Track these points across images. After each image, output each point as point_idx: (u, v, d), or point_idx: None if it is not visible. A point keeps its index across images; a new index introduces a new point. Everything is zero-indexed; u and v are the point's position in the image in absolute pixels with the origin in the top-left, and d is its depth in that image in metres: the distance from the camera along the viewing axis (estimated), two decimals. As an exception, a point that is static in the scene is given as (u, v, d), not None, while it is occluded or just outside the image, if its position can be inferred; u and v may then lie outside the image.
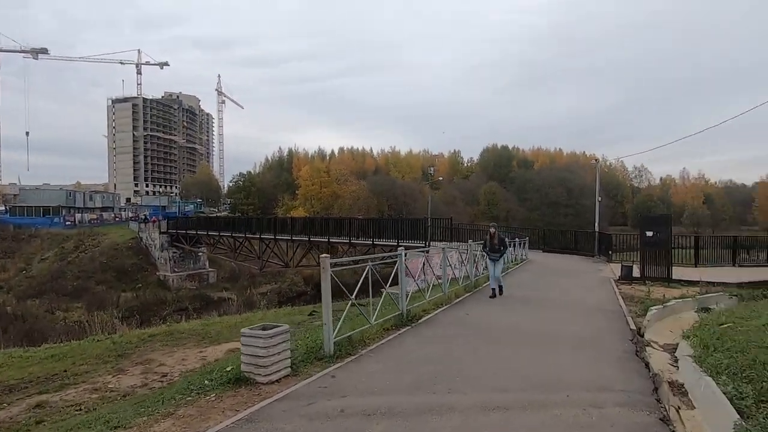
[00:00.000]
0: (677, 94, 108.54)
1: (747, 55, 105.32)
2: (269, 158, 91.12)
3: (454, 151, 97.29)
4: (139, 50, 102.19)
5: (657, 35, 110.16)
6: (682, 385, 4.86)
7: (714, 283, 12.18)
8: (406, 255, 7.14)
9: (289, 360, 4.79)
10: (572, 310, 8.53)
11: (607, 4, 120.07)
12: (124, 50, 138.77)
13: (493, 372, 4.82)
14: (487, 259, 10.22)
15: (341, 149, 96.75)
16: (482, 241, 10.95)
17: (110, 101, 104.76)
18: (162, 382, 7.28)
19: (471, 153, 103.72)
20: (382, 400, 3.95)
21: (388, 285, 6.86)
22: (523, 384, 4.44)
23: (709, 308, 9.77)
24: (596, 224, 26.89)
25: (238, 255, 37.25)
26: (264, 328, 4.70)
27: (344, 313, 5.61)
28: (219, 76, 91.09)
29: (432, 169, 44.11)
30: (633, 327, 7.22)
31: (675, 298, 9.87)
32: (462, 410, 3.75)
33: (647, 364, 5.40)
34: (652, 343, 6.95)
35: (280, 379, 4.56)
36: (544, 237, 26.34)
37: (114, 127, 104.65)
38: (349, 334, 5.54)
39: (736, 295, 10.65)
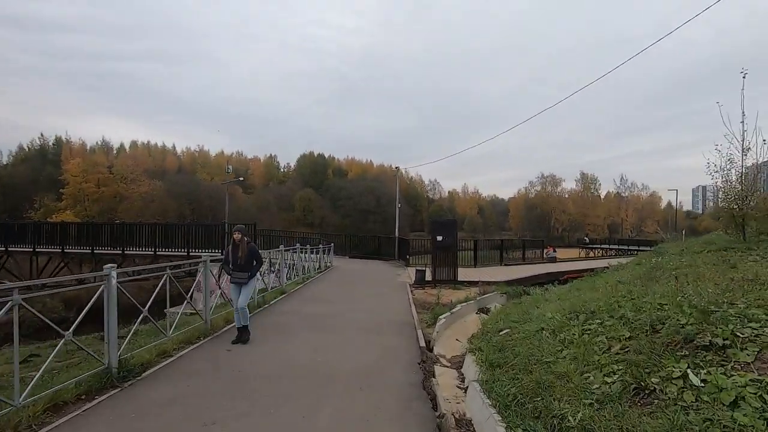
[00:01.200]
0: (458, 123, 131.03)
1: (507, 98, 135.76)
2: (26, 147, 70.18)
3: (271, 155, 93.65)
4: None
5: (443, 76, 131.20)
6: (471, 422, 4.07)
7: (490, 282, 13.29)
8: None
9: None
10: (361, 329, 7.38)
11: (406, 40, 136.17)
12: None
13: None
14: (230, 282, 6.61)
15: (134, 143, 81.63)
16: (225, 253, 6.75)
17: None
18: None
19: (288, 159, 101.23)
20: None
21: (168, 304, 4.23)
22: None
23: (488, 308, 10.29)
24: (396, 230, 28.27)
25: (-59, 276, 26.04)
26: None
27: None
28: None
29: (230, 167, 39.98)
30: (422, 344, 6.45)
31: (460, 302, 9.98)
32: None
33: (434, 399, 4.44)
34: (440, 359, 6.33)
35: None
36: (351, 243, 26.33)
37: None
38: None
39: (505, 293, 11.65)
